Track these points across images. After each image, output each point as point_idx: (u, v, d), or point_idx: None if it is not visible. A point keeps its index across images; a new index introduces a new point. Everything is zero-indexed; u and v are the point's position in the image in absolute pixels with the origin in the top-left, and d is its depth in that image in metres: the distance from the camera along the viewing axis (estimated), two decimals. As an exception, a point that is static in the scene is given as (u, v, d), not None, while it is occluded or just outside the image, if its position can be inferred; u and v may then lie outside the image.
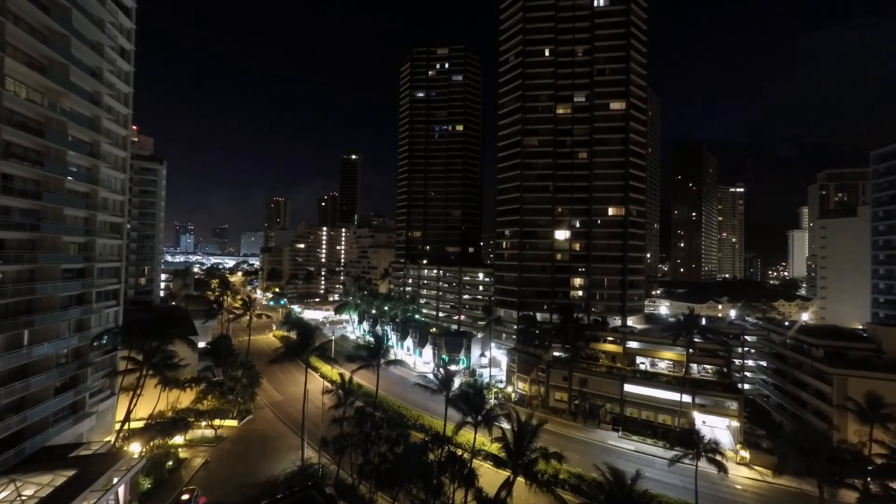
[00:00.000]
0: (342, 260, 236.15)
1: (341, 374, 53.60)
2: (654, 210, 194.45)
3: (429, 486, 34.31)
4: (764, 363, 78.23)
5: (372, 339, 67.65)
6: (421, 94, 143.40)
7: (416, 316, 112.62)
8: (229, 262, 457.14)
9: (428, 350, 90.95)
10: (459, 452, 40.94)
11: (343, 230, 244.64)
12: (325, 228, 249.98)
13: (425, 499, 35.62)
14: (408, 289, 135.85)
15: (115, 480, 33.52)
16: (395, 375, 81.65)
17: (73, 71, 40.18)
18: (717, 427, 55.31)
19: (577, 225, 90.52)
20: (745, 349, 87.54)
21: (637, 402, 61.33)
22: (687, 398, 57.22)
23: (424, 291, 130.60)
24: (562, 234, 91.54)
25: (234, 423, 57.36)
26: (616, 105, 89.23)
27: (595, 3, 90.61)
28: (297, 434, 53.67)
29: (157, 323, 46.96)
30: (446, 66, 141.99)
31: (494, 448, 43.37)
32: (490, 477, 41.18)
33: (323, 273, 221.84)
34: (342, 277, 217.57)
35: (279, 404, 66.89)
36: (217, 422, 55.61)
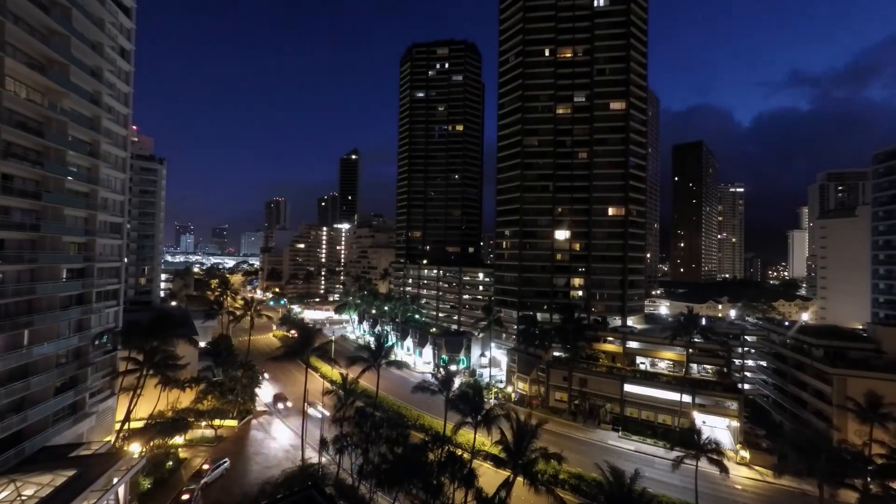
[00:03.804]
0: (342, 260, 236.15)
1: (342, 374, 53.58)
2: (654, 210, 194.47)
3: (429, 486, 34.28)
4: (764, 363, 78.25)
5: (372, 340, 67.76)
6: (421, 94, 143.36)
7: (416, 316, 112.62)
8: (229, 262, 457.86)
9: (428, 350, 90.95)
10: (459, 452, 40.95)
11: (343, 230, 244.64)
12: (325, 228, 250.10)
13: (425, 499, 35.59)
14: (408, 289, 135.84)
15: (115, 480, 33.50)
16: (396, 375, 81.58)
17: (73, 71, 40.18)
18: (717, 427, 55.24)
19: (577, 225, 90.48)
20: (745, 349, 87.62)
21: (637, 402, 61.29)
22: (687, 398, 57.21)
23: (424, 291, 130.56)
24: (562, 234, 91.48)
25: (234, 423, 57.33)
26: (616, 105, 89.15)
27: (595, 3, 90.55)
28: (297, 434, 53.69)
29: (158, 323, 46.97)
30: (446, 66, 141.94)
31: (494, 448, 43.37)
32: (490, 477, 41.16)
33: (323, 273, 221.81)
34: (342, 277, 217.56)
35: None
36: (217, 422, 55.60)
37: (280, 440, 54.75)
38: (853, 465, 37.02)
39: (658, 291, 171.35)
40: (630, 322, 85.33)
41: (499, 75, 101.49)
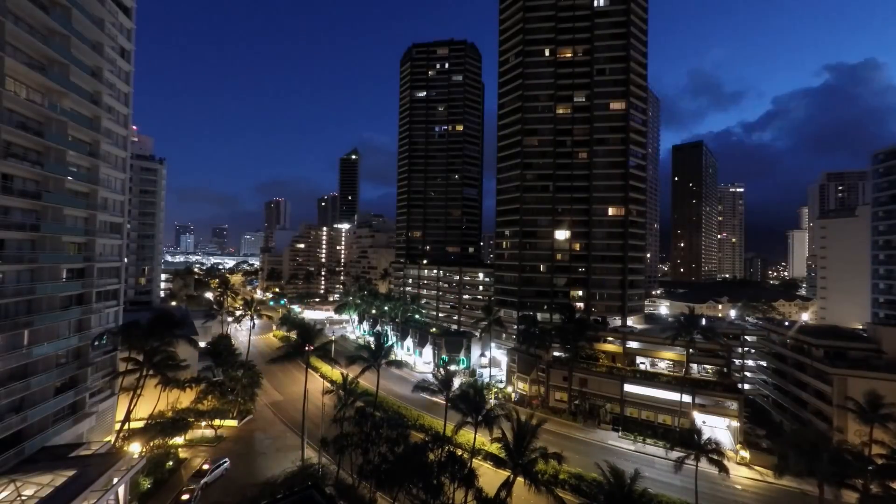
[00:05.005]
0: (342, 260, 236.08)
1: (342, 374, 53.55)
2: (654, 210, 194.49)
3: (429, 486, 34.27)
4: (764, 363, 78.25)
5: (372, 340, 67.78)
6: (421, 94, 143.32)
7: (416, 316, 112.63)
8: (229, 262, 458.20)
9: (428, 350, 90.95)
10: (459, 452, 40.93)
11: (343, 230, 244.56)
12: (324, 228, 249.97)
13: (425, 499, 35.59)
14: (408, 289, 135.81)
15: (115, 480, 33.49)
16: (396, 375, 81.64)
17: (73, 71, 40.18)
18: (717, 427, 55.23)
19: (577, 225, 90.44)
20: (745, 349, 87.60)
21: (637, 402, 61.29)
22: (687, 398, 57.19)
23: (424, 291, 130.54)
24: (562, 234, 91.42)
25: (234, 423, 57.35)
26: (616, 105, 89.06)
27: (595, 3, 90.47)
28: (297, 434, 53.69)
29: (158, 323, 46.94)
30: (446, 65, 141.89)
31: (494, 448, 43.38)
32: (490, 477, 41.19)
33: (323, 273, 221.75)
34: (342, 277, 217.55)
35: (279, 404, 66.87)
36: (217, 422, 55.60)
37: (280, 440, 54.72)
38: (853, 465, 36.99)
39: (658, 291, 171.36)
40: (630, 322, 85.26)
41: (499, 75, 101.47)
